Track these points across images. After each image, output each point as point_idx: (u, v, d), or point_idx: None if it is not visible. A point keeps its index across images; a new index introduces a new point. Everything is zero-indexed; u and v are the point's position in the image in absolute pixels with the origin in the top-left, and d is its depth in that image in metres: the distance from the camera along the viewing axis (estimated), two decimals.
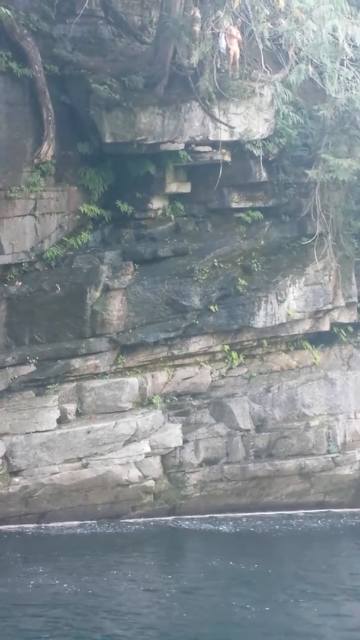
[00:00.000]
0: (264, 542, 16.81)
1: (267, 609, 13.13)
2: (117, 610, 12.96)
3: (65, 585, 13.81)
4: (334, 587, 14.28)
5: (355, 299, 20.58)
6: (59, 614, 12.75)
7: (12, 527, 16.53)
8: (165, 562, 15.62)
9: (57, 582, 13.93)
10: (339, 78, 18.84)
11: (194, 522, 17.70)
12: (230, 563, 15.24)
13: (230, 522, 17.80)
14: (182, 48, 18.65)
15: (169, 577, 14.62)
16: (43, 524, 16.86)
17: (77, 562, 14.86)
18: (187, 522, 17.66)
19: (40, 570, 14.43)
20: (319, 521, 18.17)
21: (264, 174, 19.89)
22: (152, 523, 17.46)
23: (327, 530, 17.71)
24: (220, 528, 17.47)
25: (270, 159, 19.93)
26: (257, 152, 19.53)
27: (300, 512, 18.67)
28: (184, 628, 12.38)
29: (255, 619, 12.73)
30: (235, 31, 18.95)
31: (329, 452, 19.18)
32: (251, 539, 16.92)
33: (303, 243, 19.96)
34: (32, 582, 13.92)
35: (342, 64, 18.80)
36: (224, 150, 19.24)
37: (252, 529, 17.52)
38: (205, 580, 14.42)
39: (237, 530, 17.43)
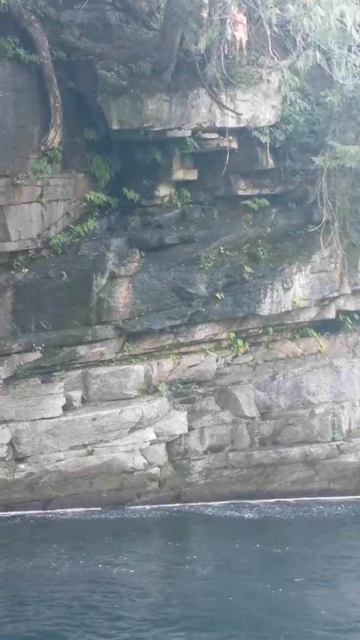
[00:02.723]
0: (270, 527, 16.92)
1: (281, 590, 13.34)
2: (117, 590, 13.16)
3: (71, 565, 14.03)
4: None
5: None
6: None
7: (17, 513, 16.62)
8: (170, 545, 15.75)
9: (60, 563, 14.13)
10: (346, 64, 18.74)
11: (199, 508, 17.76)
12: (237, 546, 15.42)
13: (235, 509, 17.87)
14: (189, 34, 18.54)
15: (174, 558, 14.82)
16: (49, 510, 16.93)
17: (82, 546, 15.00)
18: (193, 509, 17.73)
19: (44, 553, 14.62)
20: (322, 507, 18.24)
21: (271, 161, 19.82)
22: (157, 510, 17.51)
23: (333, 517, 17.78)
24: (225, 514, 17.57)
25: (277, 145, 19.84)
26: (264, 139, 19.44)
27: (306, 499, 18.71)
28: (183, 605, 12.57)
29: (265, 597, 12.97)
30: (240, 17, 18.83)
31: (333, 439, 19.21)
32: (257, 525, 17.02)
33: (309, 230, 19.90)
34: (31, 563, 14.12)
35: (349, 50, 18.70)
36: (230, 137, 19.15)
37: (257, 515, 17.60)
38: (206, 562, 14.60)
39: (242, 516, 17.51)
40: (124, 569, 14.02)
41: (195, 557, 14.99)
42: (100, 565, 14.11)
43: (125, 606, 12.53)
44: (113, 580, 13.50)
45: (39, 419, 17.02)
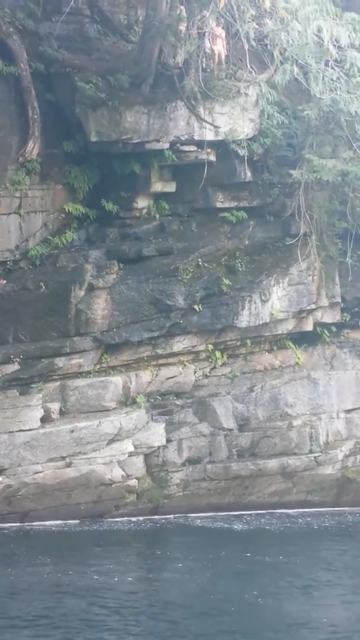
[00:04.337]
0: (246, 538, 16.96)
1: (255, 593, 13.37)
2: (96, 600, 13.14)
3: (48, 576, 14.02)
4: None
5: (339, 299, 20.67)
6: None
7: None
8: (147, 557, 15.76)
9: (40, 575, 14.12)
10: (323, 79, 18.97)
11: (177, 521, 17.76)
12: (210, 556, 15.47)
13: (212, 521, 17.89)
14: (167, 47, 18.70)
15: (155, 568, 14.86)
16: (26, 523, 16.84)
17: (59, 558, 14.96)
18: (170, 521, 17.71)
19: (23, 565, 14.59)
20: (300, 520, 18.27)
21: (249, 174, 19.94)
22: (134, 522, 17.48)
23: (308, 529, 17.82)
24: (200, 525, 17.61)
25: (255, 158, 19.97)
26: (242, 152, 19.57)
27: (283, 511, 18.75)
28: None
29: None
30: (219, 31, 19.00)
31: (311, 451, 19.27)
32: (234, 536, 17.05)
33: (287, 243, 20.03)
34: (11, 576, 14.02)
35: (326, 64, 18.92)
36: (209, 150, 19.27)
37: (234, 527, 17.62)
38: (181, 572, 14.62)
39: (218, 527, 17.53)
40: (107, 579, 14.00)
41: (180, 565, 15.01)
42: (83, 576, 14.09)
43: (108, 616, 12.47)
44: (96, 591, 13.46)
45: (16, 431, 16.94)
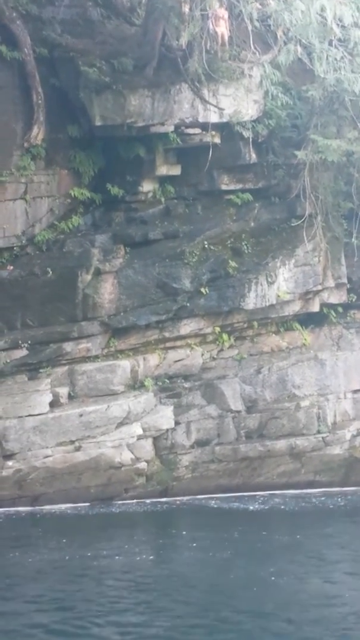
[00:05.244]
0: (261, 518, 17.11)
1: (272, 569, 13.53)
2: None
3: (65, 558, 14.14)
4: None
5: (345, 280, 20.67)
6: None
7: (6, 510, 16.63)
8: (162, 537, 15.89)
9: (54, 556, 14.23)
10: (327, 58, 18.88)
11: (188, 502, 17.87)
12: (225, 536, 15.60)
13: (224, 502, 18.00)
14: (171, 29, 18.60)
15: (166, 547, 14.99)
16: (37, 507, 16.97)
17: (74, 541, 15.09)
18: (181, 503, 17.84)
19: (38, 547, 14.75)
20: (314, 500, 18.39)
21: (254, 156, 19.88)
22: (145, 504, 17.59)
23: (324, 508, 17.94)
24: (214, 506, 17.73)
25: (259, 140, 19.90)
26: (247, 134, 19.51)
27: (294, 491, 18.83)
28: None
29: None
30: (222, 12, 18.89)
31: (319, 432, 19.35)
32: (248, 517, 17.19)
33: (292, 224, 20.00)
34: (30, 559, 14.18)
35: (330, 44, 18.83)
36: (213, 132, 19.21)
37: (249, 508, 17.75)
38: (198, 552, 14.77)
39: (231, 508, 17.65)
40: (125, 560, 14.11)
41: (194, 545, 15.11)
42: (100, 557, 14.16)
43: (129, 595, 12.56)
44: (116, 572, 13.55)
45: (26, 416, 17.05)
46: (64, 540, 14.97)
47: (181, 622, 11.50)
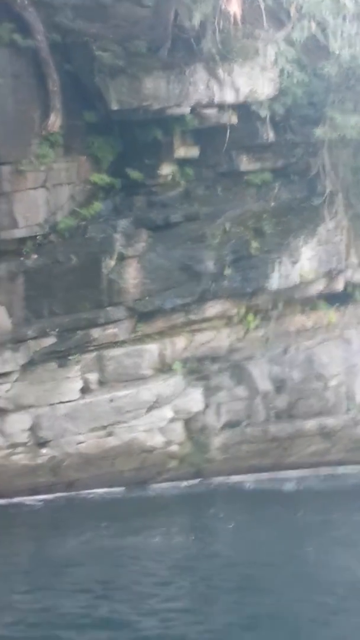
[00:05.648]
0: (296, 498, 17.13)
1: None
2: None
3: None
4: None
5: None
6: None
7: (43, 496, 16.68)
8: (201, 518, 16.03)
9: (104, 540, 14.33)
10: (341, 34, 18.80)
11: (223, 483, 17.88)
12: (261, 516, 15.75)
13: (255, 483, 18.02)
14: (183, 10, 18.44)
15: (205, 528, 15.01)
16: (73, 492, 17.00)
17: (114, 524, 15.23)
18: (215, 484, 17.86)
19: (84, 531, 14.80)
20: (350, 480, 18.34)
21: (271, 135, 19.75)
22: (179, 487, 17.63)
23: (352, 487, 17.87)
24: (245, 487, 17.80)
25: (276, 119, 19.74)
26: (264, 113, 19.36)
27: (327, 471, 18.78)
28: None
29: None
30: None
31: (348, 410, 19.26)
32: (282, 497, 17.14)
33: (313, 203, 19.88)
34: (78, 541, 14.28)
35: (344, 19, 18.73)
36: (230, 112, 19.09)
37: (279, 488, 17.75)
38: (238, 532, 14.88)
39: (265, 488, 17.68)
40: (167, 541, 14.21)
41: (232, 525, 15.20)
42: (142, 540, 14.30)
43: (177, 577, 12.58)
44: (160, 554, 13.62)
45: (57, 403, 17.06)
46: (103, 525, 15.04)
47: (222, 599, 11.45)
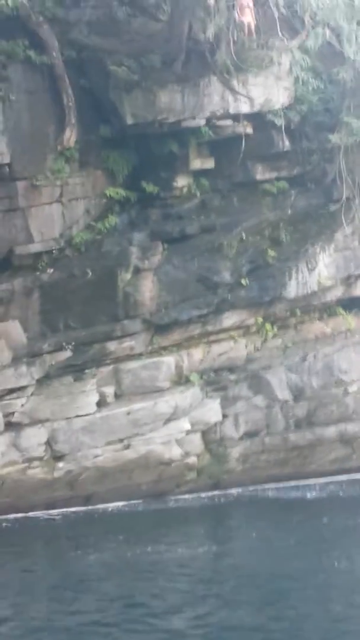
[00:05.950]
0: (319, 506, 17.12)
1: None
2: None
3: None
4: None
5: None
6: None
7: (60, 510, 16.83)
8: (221, 529, 16.03)
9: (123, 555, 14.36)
10: (356, 39, 18.79)
11: (242, 494, 17.90)
12: (284, 525, 15.74)
13: (277, 492, 18.06)
14: (197, 23, 18.51)
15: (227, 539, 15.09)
16: (90, 506, 17.13)
17: (133, 537, 15.26)
18: (235, 495, 17.88)
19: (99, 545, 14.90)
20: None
21: (287, 143, 19.76)
22: (198, 498, 17.67)
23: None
24: (267, 496, 17.81)
25: (292, 127, 19.77)
26: (279, 122, 19.39)
27: (349, 477, 18.74)
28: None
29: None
30: (247, 1, 18.78)
31: None
32: (305, 505, 17.23)
33: (330, 209, 19.87)
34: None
35: (358, 24, 18.67)
36: (245, 123, 19.14)
37: (302, 496, 17.78)
38: (259, 542, 14.85)
39: (286, 497, 17.73)
40: (190, 552, 14.27)
41: (254, 535, 15.21)
42: (163, 552, 14.33)
43: (202, 587, 12.65)
44: (183, 566, 13.64)
45: (74, 417, 17.21)
46: (121, 538, 15.13)
47: (252, 611, 11.50)
